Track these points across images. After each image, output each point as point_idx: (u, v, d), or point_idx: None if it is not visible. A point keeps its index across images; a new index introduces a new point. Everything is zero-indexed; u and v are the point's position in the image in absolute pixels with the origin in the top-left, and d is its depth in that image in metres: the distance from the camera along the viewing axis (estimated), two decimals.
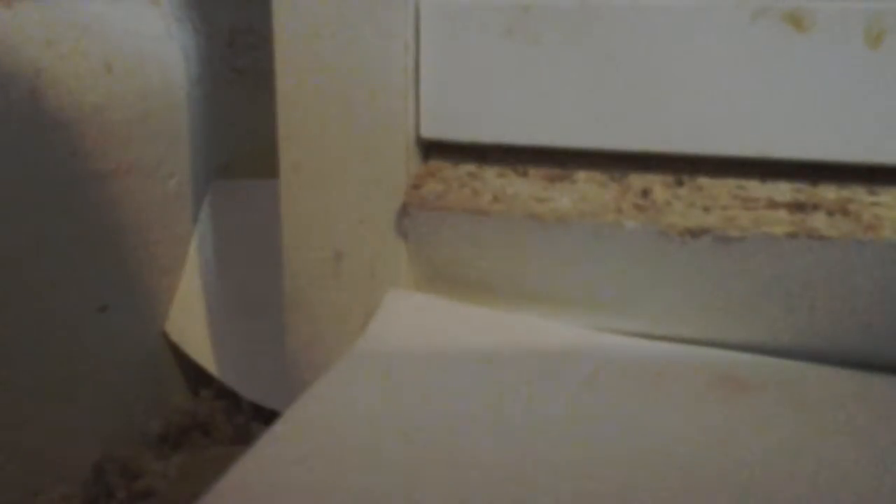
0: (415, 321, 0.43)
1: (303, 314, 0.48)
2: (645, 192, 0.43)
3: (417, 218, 0.44)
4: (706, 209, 0.41)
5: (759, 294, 0.40)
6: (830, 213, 0.40)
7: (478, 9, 0.43)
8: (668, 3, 0.41)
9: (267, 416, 0.56)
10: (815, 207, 0.40)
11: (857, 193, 0.41)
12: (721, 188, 0.42)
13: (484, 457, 0.33)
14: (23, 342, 0.48)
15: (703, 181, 0.43)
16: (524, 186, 0.44)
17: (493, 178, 0.45)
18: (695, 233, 0.40)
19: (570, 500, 0.31)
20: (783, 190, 0.41)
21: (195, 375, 0.61)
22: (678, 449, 0.34)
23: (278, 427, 0.35)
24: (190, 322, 0.61)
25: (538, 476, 0.32)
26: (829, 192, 0.41)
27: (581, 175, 0.44)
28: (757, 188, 0.42)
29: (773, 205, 0.41)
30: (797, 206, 0.40)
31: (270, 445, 0.34)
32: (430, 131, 0.45)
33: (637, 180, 0.43)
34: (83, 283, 0.52)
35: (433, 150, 0.46)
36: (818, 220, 0.40)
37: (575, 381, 0.38)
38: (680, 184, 0.43)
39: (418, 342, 0.41)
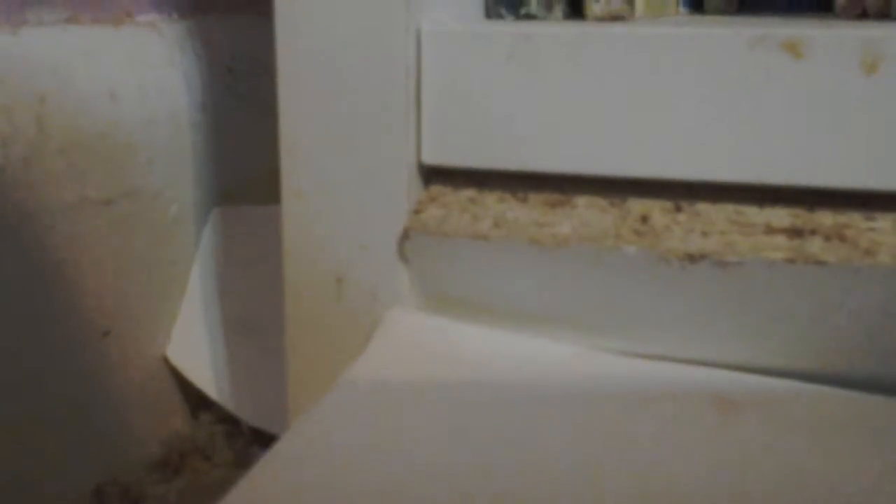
0: (414, 342, 0.43)
1: (304, 339, 0.48)
2: (644, 218, 0.43)
3: (419, 243, 0.45)
4: (704, 234, 0.41)
5: (756, 318, 0.41)
6: (828, 239, 0.40)
7: (479, 36, 0.43)
8: (667, 30, 0.41)
9: (267, 441, 0.56)
10: (813, 233, 0.41)
11: (854, 219, 0.41)
12: (719, 214, 0.42)
13: (481, 481, 0.33)
14: (24, 367, 0.48)
15: (702, 207, 0.43)
16: (524, 212, 0.45)
17: (493, 203, 0.45)
18: (693, 258, 0.41)
19: None
20: (781, 215, 0.42)
21: (196, 400, 0.61)
22: (672, 470, 0.34)
23: (272, 454, 0.35)
24: (191, 347, 0.61)
25: (538, 498, 0.32)
26: (826, 218, 0.41)
27: (581, 200, 0.45)
28: (755, 214, 0.42)
29: (770, 230, 0.41)
30: (795, 232, 0.41)
31: (265, 472, 0.34)
32: (431, 157, 0.45)
33: (636, 206, 0.44)
34: (85, 309, 0.52)
35: (434, 175, 0.47)
36: (816, 246, 0.40)
37: (574, 402, 0.39)
38: (678, 209, 0.43)
39: (417, 364, 0.41)
